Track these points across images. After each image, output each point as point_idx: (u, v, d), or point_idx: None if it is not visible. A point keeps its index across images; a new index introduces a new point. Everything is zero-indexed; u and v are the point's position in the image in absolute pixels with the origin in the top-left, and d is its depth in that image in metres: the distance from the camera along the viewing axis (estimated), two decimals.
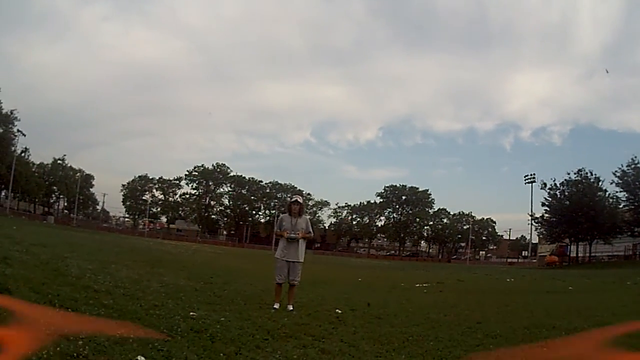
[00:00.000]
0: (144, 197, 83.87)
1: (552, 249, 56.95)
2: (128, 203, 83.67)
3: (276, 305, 6.23)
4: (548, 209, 49.84)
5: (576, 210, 44.89)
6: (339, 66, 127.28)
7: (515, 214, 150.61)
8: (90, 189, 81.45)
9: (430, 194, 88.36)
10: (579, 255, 50.02)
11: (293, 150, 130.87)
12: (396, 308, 7.43)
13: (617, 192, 45.87)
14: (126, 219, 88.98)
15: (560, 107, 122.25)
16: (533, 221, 54.26)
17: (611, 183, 45.57)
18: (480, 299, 10.28)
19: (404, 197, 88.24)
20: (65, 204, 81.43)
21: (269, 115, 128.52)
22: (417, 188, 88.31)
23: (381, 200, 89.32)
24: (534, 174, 64.43)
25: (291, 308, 6.21)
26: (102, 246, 16.04)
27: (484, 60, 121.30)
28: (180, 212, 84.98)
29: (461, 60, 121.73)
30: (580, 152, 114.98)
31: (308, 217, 7.06)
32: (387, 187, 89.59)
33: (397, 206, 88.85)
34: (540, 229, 54.24)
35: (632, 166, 43.79)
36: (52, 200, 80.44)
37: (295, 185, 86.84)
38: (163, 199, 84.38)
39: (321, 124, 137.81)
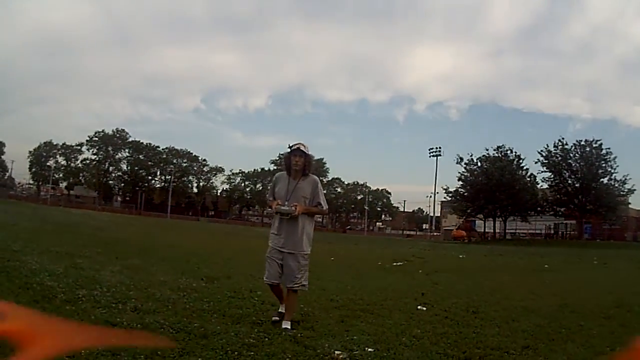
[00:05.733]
0: (48, 164, 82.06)
1: (457, 223, 58.32)
2: (34, 169, 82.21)
3: (282, 309, 4.28)
4: (464, 184, 49.12)
5: (496, 187, 44.63)
6: (238, 34, 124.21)
7: (411, 186, 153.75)
8: (2, 157, 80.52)
9: (325, 163, 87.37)
10: (496, 231, 49.51)
11: (183, 116, 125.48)
12: (463, 299, 6.29)
13: (540, 171, 46.50)
14: (30, 186, 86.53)
15: (460, 83, 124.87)
16: (447, 195, 52.66)
17: (536, 162, 45.98)
18: (498, 278, 9.84)
19: None
20: None
21: (162, 81, 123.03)
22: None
23: (275, 167, 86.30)
24: (440, 147, 61.18)
25: (288, 326, 3.95)
26: (33, 225, 14.13)
27: (386, 33, 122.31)
28: (80, 178, 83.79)
29: (362, 32, 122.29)
30: (479, 128, 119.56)
31: (318, 178, 4.38)
32: (282, 154, 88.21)
33: None
34: (454, 203, 52.96)
35: (560, 147, 44.61)
36: None
37: (192, 151, 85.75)
38: (66, 164, 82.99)
39: (212, 91, 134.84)
